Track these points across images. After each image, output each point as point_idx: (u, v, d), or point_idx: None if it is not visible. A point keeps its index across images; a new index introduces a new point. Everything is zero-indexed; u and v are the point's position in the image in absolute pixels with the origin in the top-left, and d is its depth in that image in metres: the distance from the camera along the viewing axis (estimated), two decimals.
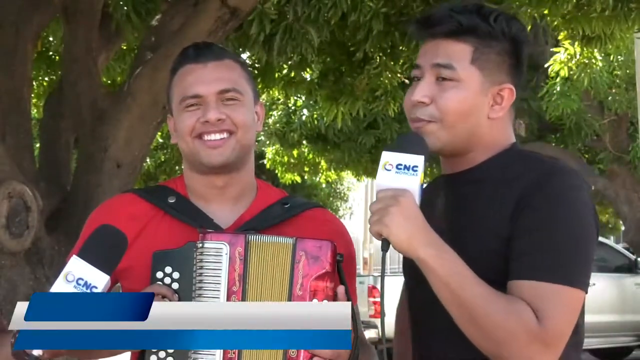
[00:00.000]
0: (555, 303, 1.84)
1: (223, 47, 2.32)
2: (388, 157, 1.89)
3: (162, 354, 1.93)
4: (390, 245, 1.85)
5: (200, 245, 1.95)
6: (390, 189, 1.86)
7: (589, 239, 1.93)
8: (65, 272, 1.85)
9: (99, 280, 1.85)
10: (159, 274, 1.97)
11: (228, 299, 1.92)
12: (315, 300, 1.91)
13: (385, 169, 1.88)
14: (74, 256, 1.87)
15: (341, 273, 1.98)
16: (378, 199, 1.87)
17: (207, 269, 1.94)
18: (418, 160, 1.88)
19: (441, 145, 2.01)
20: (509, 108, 2.06)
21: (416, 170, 1.87)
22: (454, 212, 2.04)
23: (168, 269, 1.97)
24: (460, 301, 1.83)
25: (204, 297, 1.93)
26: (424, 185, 1.93)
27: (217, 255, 1.94)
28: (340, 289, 1.93)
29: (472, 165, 2.05)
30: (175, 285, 1.96)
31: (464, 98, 1.98)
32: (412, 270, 2.04)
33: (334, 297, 1.92)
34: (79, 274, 1.84)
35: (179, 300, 1.94)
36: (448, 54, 1.99)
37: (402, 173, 1.87)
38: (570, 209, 1.91)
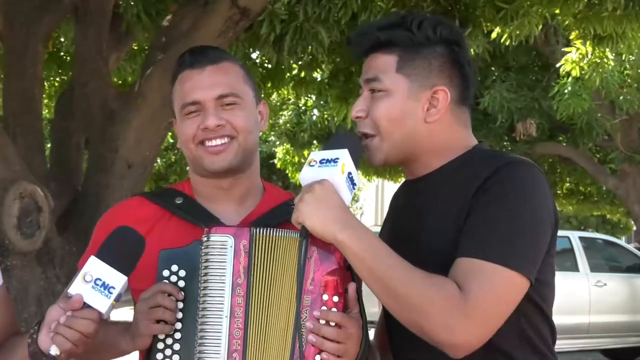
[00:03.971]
0: (480, 278, 1.84)
1: (219, 48, 2.30)
2: (313, 156, 1.96)
3: (168, 351, 1.94)
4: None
5: (206, 238, 1.96)
6: (311, 182, 1.91)
7: (538, 228, 1.94)
8: (84, 272, 1.86)
9: (117, 281, 1.86)
10: (165, 272, 1.98)
11: (232, 291, 1.93)
12: (325, 296, 1.91)
13: (310, 165, 1.94)
14: (92, 257, 1.87)
15: (353, 271, 1.98)
16: (300, 193, 1.92)
17: (212, 261, 1.95)
18: (339, 153, 1.93)
19: (384, 156, 2.07)
20: (450, 110, 2.08)
21: (336, 162, 1.91)
22: (414, 216, 2.08)
23: (174, 267, 1.97)
24: (377, 275, 1.86)
25: (210, 289, 1.94)
26: (353, 179, 1.96)
27: (222, 248, 1.95)
28: (352, 286, 1.94)
29: (430, 170, 2.09)
30: (181, 283, 1.96)
31: (391, 105, 2.04)
32: None
33: (345, 294, 1.93)
34: (97, 275, 1.85)
35: (185, 298, 1.94)
36: (375, 67, 2.07)
37: (323, 166, 1.92)
38: (523, 195, 1.92)
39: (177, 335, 1.94)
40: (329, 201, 1.87)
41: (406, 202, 2.16)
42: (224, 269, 1.94)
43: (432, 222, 2.02)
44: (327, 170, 1.91)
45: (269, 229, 1.98)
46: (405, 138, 2.05)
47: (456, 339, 1.83)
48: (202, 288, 1.94)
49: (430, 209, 2.04)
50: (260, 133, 2.28)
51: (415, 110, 2.05)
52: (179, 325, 1.94)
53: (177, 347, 1.94)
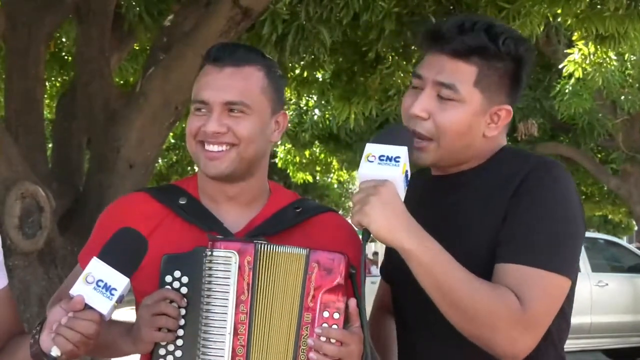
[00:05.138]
0: (538, 288, 1.85)
1: (252, 48, 2.18)
2: (371, 149, 1.90)
3: (169, 357, 1.93)
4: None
5: (210, 253, 1.92)
6: (372, 180, 1.86)
7: (576, 231, 1.95)
8: (86, 273, 1.85)
9: (119, 282, 1.85)
10: (168, 278, 1.95)
11: (236, 308, 1.91)
12: (326, 313, 1.89)
13: (368, 160, 1.88)
14: (95, 258, 1.86)
15: (354, 285, 1.95)
16: (360, 190, 1.87)
17: (215, 277, 1.91)
18: (400, 151, 1.88)
19: (434, 161, 2.05)
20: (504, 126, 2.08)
21: (398, 161, 1.87)
22: (442, 214, 2.05)
23: (177, 273, 1.95)
24: (444, 287, 1.84)
25: (212, 304, 1.91)
26: (408, 177, 1.93)
27: (226, 264, 1.91)
28: (352, 302, 1.90)
29: (462, 169, 2.08)
30: (184, 290, 1.94)
31: (462, 118, 1.99)
32: (398, 274, 2.06)
33: (346, 310, 1.90)
34: (99, 276, 1.84)
35: (187, 305, 1.93)
36: (452, 74, 1.99)
37: (384, 164, 1.87)
38: (559, 200, 1.93)
39: (179, 342, 1.93)
40: (395, 206, 1.84)
41: (427, 198, 2.12)
42: (228, 285, 1.91)
43: (465, 221, 2.01)
44: (388, 169, 1.87)
45: (274, 245, 1.95)
46: (461, 148, 2.02)
47: (517, 349, 1.86)
48: (204, 303, 1.91)
49: (462, 207, 2.03)
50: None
51: (479, 124, 2.02)
52: (181, 332, 1.93)
53: (178, 353, 1.93)
